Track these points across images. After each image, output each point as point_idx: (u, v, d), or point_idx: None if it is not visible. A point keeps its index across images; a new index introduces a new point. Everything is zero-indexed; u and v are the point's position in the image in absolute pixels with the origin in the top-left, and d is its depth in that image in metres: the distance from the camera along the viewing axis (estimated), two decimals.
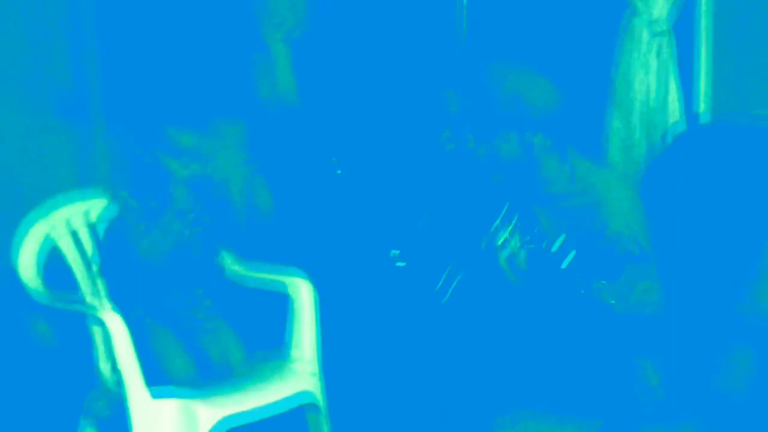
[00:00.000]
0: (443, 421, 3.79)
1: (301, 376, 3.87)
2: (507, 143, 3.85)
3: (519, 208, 3.78)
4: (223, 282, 3.99)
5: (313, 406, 3.89)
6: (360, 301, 4.12)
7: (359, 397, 4.04)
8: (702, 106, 4.62)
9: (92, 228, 3.96)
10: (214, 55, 4.60)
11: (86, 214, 3.95)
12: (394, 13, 4.92)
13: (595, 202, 3.86)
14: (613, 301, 3.55)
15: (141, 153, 3.83)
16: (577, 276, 3.55)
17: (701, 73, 4.62)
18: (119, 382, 3.59)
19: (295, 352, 3.92)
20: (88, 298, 3.86)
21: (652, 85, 4.57)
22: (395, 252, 3.92)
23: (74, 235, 3.92)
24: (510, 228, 3.72)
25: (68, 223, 3.90)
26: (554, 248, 3.57)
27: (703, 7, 4.59)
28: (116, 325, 3.58)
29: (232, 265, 4.03)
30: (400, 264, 3.92)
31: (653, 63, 4.56)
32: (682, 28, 4.59)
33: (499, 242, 3.72)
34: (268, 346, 3.98)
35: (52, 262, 3.86)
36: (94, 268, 3.94)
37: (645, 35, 4.55)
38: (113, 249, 3.88)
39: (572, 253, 3.55)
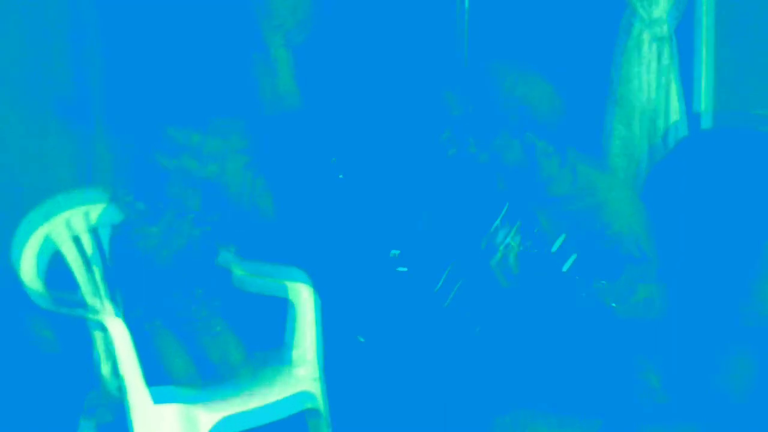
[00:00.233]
0: (444, 421, 3.79)
1: (301, 378, 3.87)
2: (507, 146, 3.86)
3: (519, 210, 3.78)
4: (226, 284, 3.99)
5: (313, 409, 3.88)
6: (361, 302, 4.12)
7: (359, 398, 4.04)
8: (703, 106, 4.62)
9: (93, 229, 3.95)
10: (215, 56, 4.60)
11: (86, 214, 3.95)
12: (395, 16, 4.92)
13: (596, 205, 3.86)
14: (614, 305, 3.56)
15: (149, 154, 3.83)
16: (578, 277, 3.56)
17: (702, 74, 4.61)
18: (120, 386, 3.58)
19: (295, 355, 3.91)
20: (89, 300, 3.85)
21: (653, 86, 4.57)
22: (395, 252, 3.91)
23: (74, 236, 3.92)
24: (511, 229, 3.73)
25: (68, 223, 3.90)
26: (554, 248, 3.57)
27: (704, 8, 4.59)
28: (117, 329, 3.57)
29: (235, 268, 4.03)
30: (401, 269, 3.92)
31: (654, 64, 4.56)
32: (683, 29, 4.59)
33: (500, 243, 3.72)
34: (269, 348, 3.98)
35: (52, 263, 3.86)
36: (95, 269, 3.94)
37: (645, 37, 4.55)
38: (118, 250, 3.89)
39: (573, 256, 3.56)
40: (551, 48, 4.64)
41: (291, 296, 3.93)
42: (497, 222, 3.74)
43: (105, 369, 3.78)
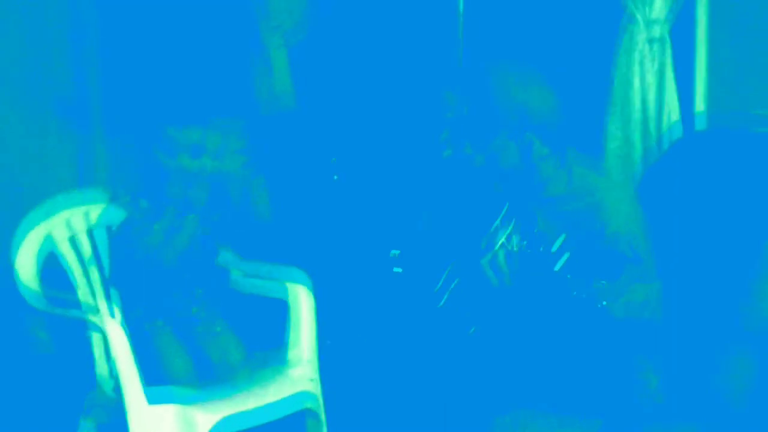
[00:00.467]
0: (443, 421, 3.80)
1: (299, 378, 3.87)
2: (504, 147, 3.86)
3: (517, 210, 3.79)
4: (226, 284, 3.99)
5: (311, 409, 3.88)
6: (359, 302, 4.12)
7: (359, 398, 4.04)
8: (699, 107, 4.63)
9: (92, 229, 3.95)
10: (213, 57, 4.60)
11: (86, 214, 3.94)
12: (392, 17, 4.92)
13: (593, 205, 3.87)
14: (605, 303, 3.56)
15: (149, 153, 3.83)
16: (575, 277, 3.56)
17: (698, 75, 4.63)
18: (117, 387, 3.58)
19: (293, 355, 3.91)
20: (88, 300, 3.84)
21: (648, 87, 4.58)
22: (395, 252, 3.92)
23: (74, 236, 3.91)
24: (509, 230, 3.73)
25: (68, 223, 3.89)
26: (554, 248, 3.58)
27: (700, 10, 4.60)
28: (115, 330, 3.57)
29: (233, 269, 4.03)
30: (396, 270, 3.92)
31: (650, 65, 4.57)
32: (679, 30, 4.60)
33: (499, 243, 3.73)
34: (267, 348, 3.98)
35: (53, 263, 3.85)
36: (95, 269, 3.93)
37: (641, 38, 4.56)
38: (119, 250, 3.88)
39: (566, 255, 3.56)
40: (547, 49, 4.65)
41: (289, 297, 3.93)
42: (497, 222, 3.75)
43: (102, 370, 3.78)
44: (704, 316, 3.79)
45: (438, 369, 3.86)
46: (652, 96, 4.58)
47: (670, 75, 4.58)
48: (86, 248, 3.92)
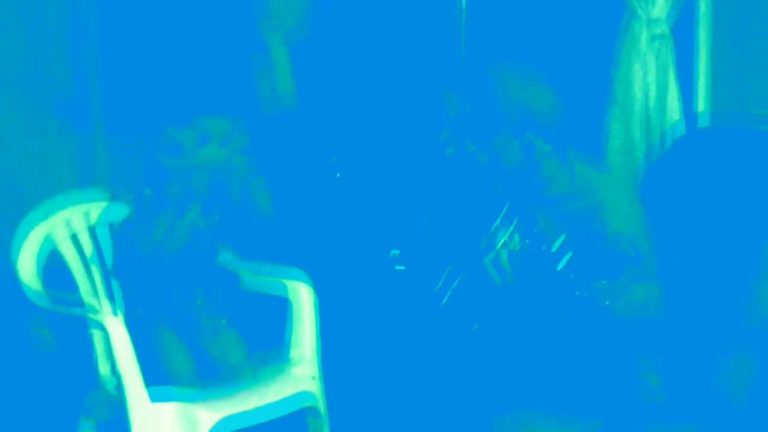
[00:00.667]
0: (443, 420, 3.80)
1: (300, 377, 3.87)
2: (506, 145, 3.86)
3: (518, 209, 3.78)
4: (230, 278, 3.99)
5: (313, 408, 3.88)
6: (360, 302, 4.12)
7: (359, 398, 4.04)
8: (701, 106, 4.62)
9: (92, 228, 3.95)
10: (214, 56, 4.60)
11: (86, 214, 3.94)
12: (393, 16, 4.92)
13: (594, 204, 3.86)
14: (607, 303, 3.56)
15: (149, 153, 3.83)
16: (577, 277, 3.56)
17: (700, 73, 4.62)
18: (119, 385, 3.58)
19: (295, 354, 3.91)
20: (88, 299, 3.85)
21: (651, 85, 4.57)
22: (395, 252, 3.92)
23: (74, 236, 3.91)
24: (510, 229, 3.73)
25: (68, 223, 3.89)
26: (554, 248, 3.58)
27: (702, 8, 4.59)
28: (116, 328, 3.57)
29: (234, 268, 4.03)
30: (399, 268, 3.92)
31: (652, 63, 4.56)
32: (681, 28, 4.59)
33: (499, 243, 3.73)
34: (269, 347, 3.98)
35: (52, 263, 3.85)
36: (95, 268, 3.94)
37: (644, 36, 4.55)
38: (120, 248, 3.88)
39: (568, 255, 3.56)
40: (549, 47, 4.64)
41: (290, 295, 3.93)
42: (497, 222, 3.74)
43: (104, 368, 3.78)
44: (704, 315, 3.79)
45: (438, 368, 3.86)
46: (653, 94, 4.57)
47: (672, 73, 4.57)
48: (87, 247, 3.93)
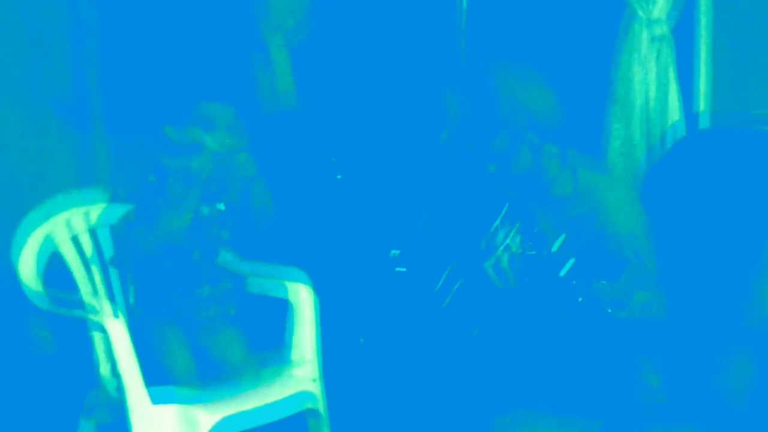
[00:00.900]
0: (443, 420, 3.80)
1: (301, 378, 3.87)
2: (505, 146, 3.86)
3: (519, 210, 3.78)
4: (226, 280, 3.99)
5: (313, 409, 3.88)
6: (360, 302, 4.12)
7: (359, 398, 4.04)
8: (702, 106, 4.62)
9: (92, 229, 3.95)
10: (214, 56, 4.61)
11: (86, 214, 3.95)
12: (394, 16, 4.92)
13: (596, 206, 3.86)
14: (610, 311, 3.56)
15: (149, 153, 3.83)
16: (575, 282, 3.56)
17: (700, 74, 4.62)
18: (119, 387, 3.58)
19: (295, 355, 3.91)
20: (88, 300, 3.84)
21: (651, 86, 4.57)
22: (395, 252, 3.92)
23: (74, 236, 3.91)
24: (511, 230, 3.73)
25: (68, 223, 3.90)
26: (554, 248, 3.58)
27: (702, 8, 4.59)
28: (116, 330, 3.57)
29: (234, 267, 4.03)
30: (400, 269, 3.92)
31: (652, 64, 4.56)
32: (682, 28, 4.59)
33: (499, 243, 3.73)
34: (269, 348, 3.98)
35: (52, 263, 3.85)
36: (95, 269, 3.94)
37: (644, 36, 4.55)
38: (121, 247, 3.89)
39: (571, 261, 3.56)
40: (549, 48, 4.64)
41: (290, 296, 3.92)
42: (497, 222, 3.74)
43: (104, 369, 3.78)
44: (705, 315, 3.79)
45: (438, 368, 3.86)
46: (654, 94, 4.57)
47: (672, 73, 4.57)
48: (86, 248, 3.93)
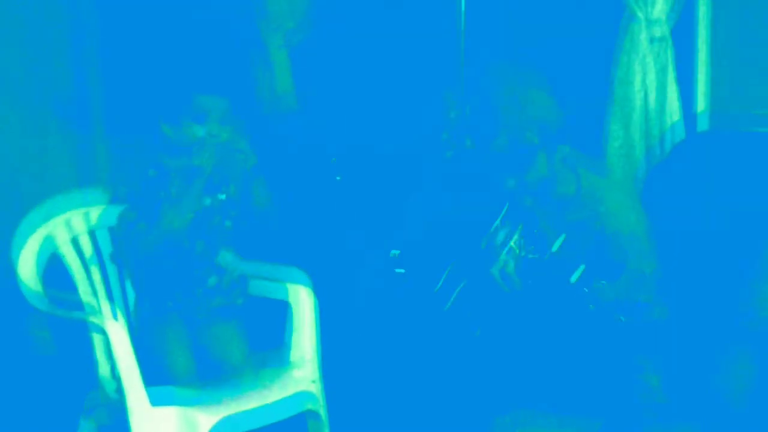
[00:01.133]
0: (443, 421, 3.80)
1: (300, 379, 3.87)
2: (506, 146, 3.86)
3: (519, 211, 3.79)
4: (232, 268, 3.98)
5: (313, 410, 3.88)
6: (360, 302, 4.12)
7: (359, 399, 4.04)
8: (701, 107, 4.63)
9: (92, 229, 3.95)
10: (214, 57, 4.61)
11: (86, 215, 3.94)
12: (393, 17, 4.92)
13: (596, 209, 3.87)
14: (623, 319, 3.57)
15: (149, 153, 3.83)
16: (587, 290, 3.57)
17: (700, 75, 4.62)
18: (119, 388, 3.58)
19: (294, 356, 3.91)
20: (88, 301, 3.84)
21: (650, 87, 4.58)
22: (395, 252, 3.92)
23: (74, 237, 3.91)
24: (511, 230, 3.73)
25: (68, 224, 3.89)
26: (554, 248, 3.58)
27: (701, 9, 4.60)
28: (116, 332, 3.56)
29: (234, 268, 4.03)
30: (399, 271, 3.92)
31: (651, 65, 4.57)
32: (681, 30, 4.60)
33: (500, 244, 3.73)
34: (268, 349, 3.97)
35: (52, 264, 3.85)
36: (95, 269, 3.93)
37: (643, 37, 4.56)
38: (122, 246, 3.88)
39: (582, 267, 3.57)
40: (549, 48, 4.65)
41: (290, 297, 3.92)
42: (497, 222, 3.74)
43: (104, 370, 3.77)
44: (705, 316, 3.79)
45: (438, 368, 3.86)
46: (653, 95, 4.58)
47: (671, 74, 4.58)
48: (86, 249, 3.92)
